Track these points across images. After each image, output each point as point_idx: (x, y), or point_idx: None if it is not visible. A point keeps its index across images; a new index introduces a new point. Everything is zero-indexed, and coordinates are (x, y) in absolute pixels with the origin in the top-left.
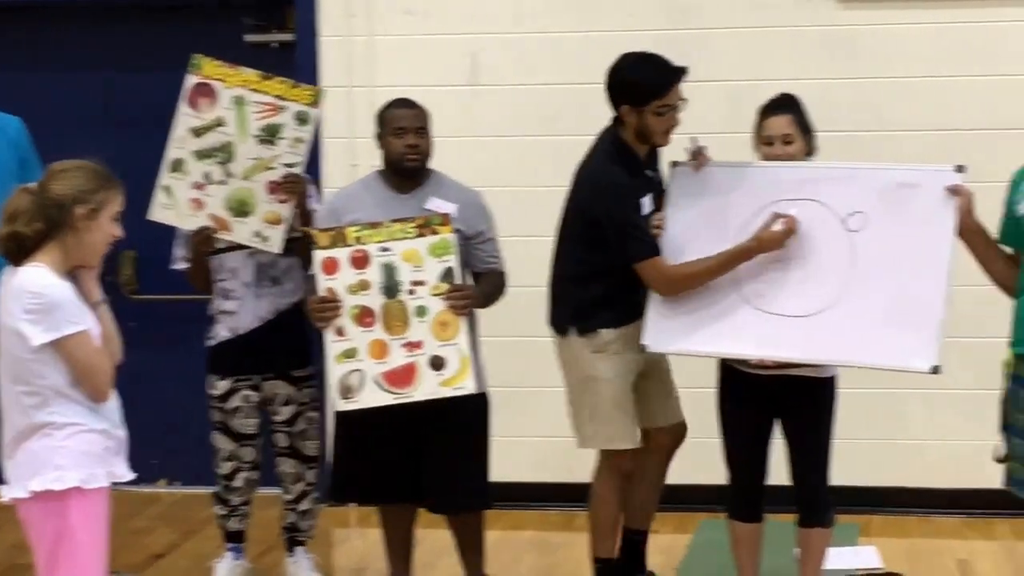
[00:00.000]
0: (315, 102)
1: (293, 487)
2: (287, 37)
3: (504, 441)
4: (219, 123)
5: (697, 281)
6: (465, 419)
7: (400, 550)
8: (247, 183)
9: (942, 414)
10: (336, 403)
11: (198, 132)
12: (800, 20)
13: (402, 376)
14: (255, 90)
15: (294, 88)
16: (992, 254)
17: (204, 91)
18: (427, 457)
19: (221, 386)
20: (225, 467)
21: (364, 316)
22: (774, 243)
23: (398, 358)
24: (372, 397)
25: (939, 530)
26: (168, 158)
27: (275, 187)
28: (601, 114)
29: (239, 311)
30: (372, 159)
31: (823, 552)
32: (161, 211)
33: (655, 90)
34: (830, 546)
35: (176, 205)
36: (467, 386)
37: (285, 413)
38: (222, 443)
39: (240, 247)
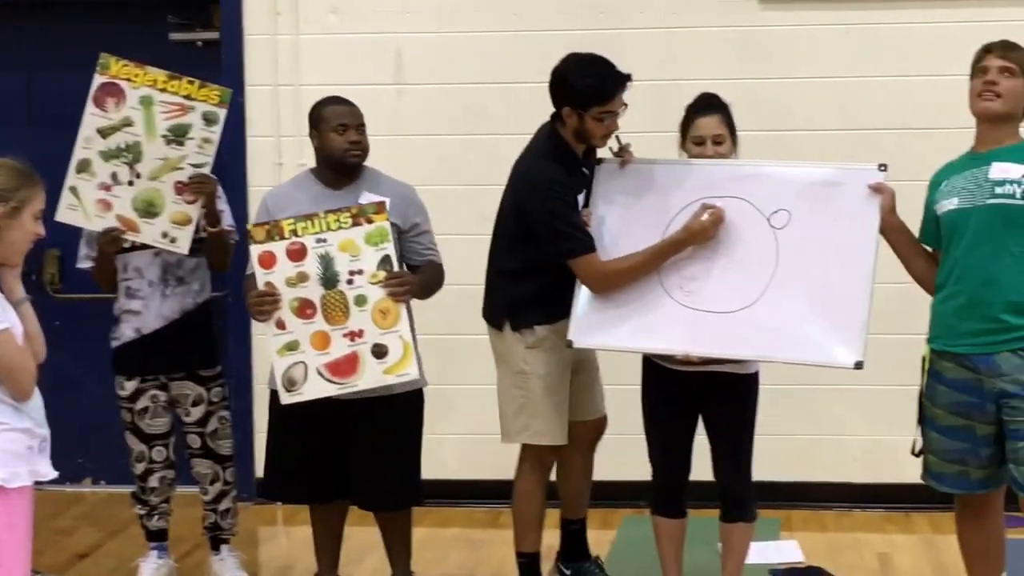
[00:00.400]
0: (222, 102)
1: (211, 487)
2: (212, 35)
3: (430, 438)
4: (127, 123)
5: (631, 276)
6: (398, 415)
7: (329, 548)
8: (155, 184)
9: (863, 409)
10: (281, 397)
11: (105, 132)
12: (723, 21)
13: (345, 366)
14: (163, 90)
15: (201, 88)
16: (914, 252)
17: (111, 91)
18: (358, 454)
19: (128, 387)
20: (138, 468)
21: (304, 308)
22: (703, 233)
23: (340, 348)
24: (316, 388)
25: (859, 524)
26: (75, 159)
27: (183, 188)
28: (526, 112)
29: (144, 311)
30: (296, 157)
31: (746, 546)
32: (67, 212)
33: (598, 97)
34: (752, 540)
35: (83, 206)
36: (410, 372)
37: (196, 414)
38: (133, 444)
39: (146, 246)
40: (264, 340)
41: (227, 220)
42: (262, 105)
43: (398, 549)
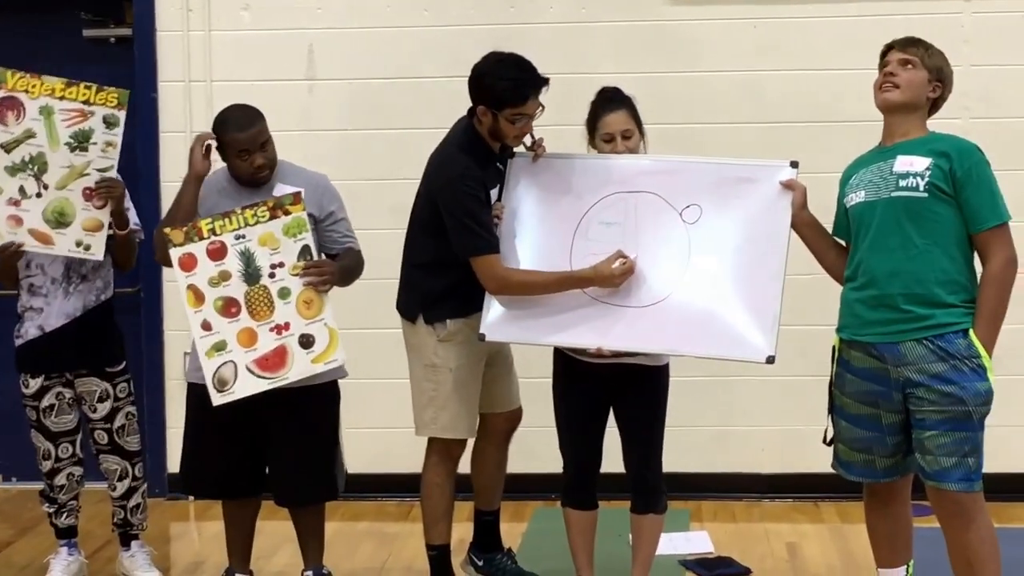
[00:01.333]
0: (120, 104)
1: (119, 484)
2: (125, 32)
3: (341, 432)
4: (29, 135)
5: (528, 291)
6: (314, 410)
7: (240, 543)
8: (63, 192)
9: (772, 400)
10: (213, 398)
11: (8, 147)
12: (632, 15)
13: (274, 360)
14: (61, 98)
15: (99, 92)
16: (825, 245)
17: (10, 104)
18: (275, 449)
19: (33, 384)
20: (45, 465)
21: (229, 307)
22: (610, 280)
23: (268, 343)
24: (247, 386)
25: (768, 514)
26: None
27: (91, 193)
28: (437, 107)
29: (47, 308)
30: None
31: (656, 537)
32: None
33: (512, 99)
34: (663, 532)
35: None
36: (338, 359)
37: (102, 410)
38: (39, 442)
39: None
40: (176, 336)
41: (132, 219)
42: (175, 101)
43: (311, 544)
